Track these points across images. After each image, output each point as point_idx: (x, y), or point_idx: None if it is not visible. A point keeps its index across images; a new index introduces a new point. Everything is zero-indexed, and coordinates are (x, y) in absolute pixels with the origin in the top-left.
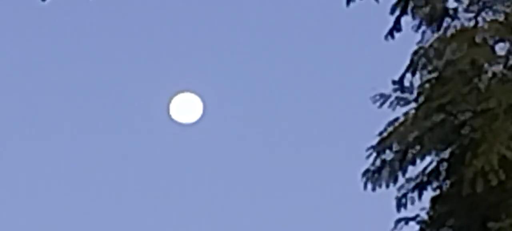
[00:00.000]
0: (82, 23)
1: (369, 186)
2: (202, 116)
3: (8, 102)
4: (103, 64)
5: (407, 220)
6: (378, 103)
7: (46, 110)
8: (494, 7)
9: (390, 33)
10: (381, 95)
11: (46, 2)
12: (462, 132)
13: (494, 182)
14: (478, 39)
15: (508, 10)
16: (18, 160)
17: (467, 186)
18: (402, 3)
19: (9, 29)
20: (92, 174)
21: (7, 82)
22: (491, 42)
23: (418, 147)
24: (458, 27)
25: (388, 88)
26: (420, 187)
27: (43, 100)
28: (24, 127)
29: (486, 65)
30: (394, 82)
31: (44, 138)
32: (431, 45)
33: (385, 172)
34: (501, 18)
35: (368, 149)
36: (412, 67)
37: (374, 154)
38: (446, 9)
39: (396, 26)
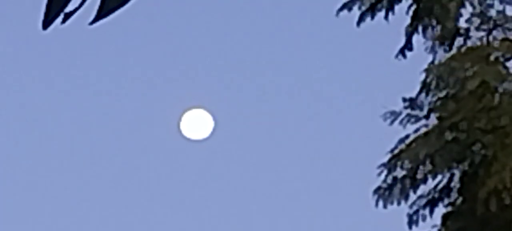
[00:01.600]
0: (93, 39)
1: (381, 203)
2: (213, 132)
3: (25, 113)
4: (114, 80)
5: None
6: (389, 121)
7: (56, 123)
8: (505, 26)
9: (402, 52)
10: (392, 112)
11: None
12: (474, 149)
13: (507, 201)
14: (489, 58)
15: None
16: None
17: (481, 206)
18: (414, 24)
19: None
20: (101, 189)
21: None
22: (502, 60)
23: (429, 165)
24: (470, 45)
25: (399, 106)
26: (432, 204)
27: (53, 112)
28: (32, 143)
29: (497, 83)
30: (404, 99)
31: (54, 151)
32: (443, 64)
33: (396, 189)
34: None
35: (379, 166)
36: (425, 87)
37: (385, 171)
38: (457, 29)
39: (408, 45)
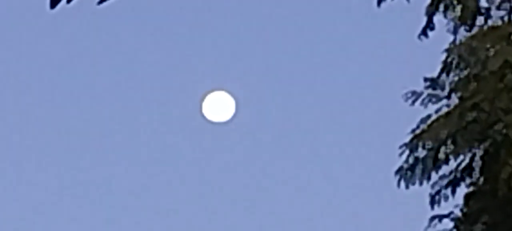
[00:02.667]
0: (115, 22)
1: (403, 183)
2: (235, 115)
3: (50, 102)
4: (136, 64)
5: (441, 217)
6: (410, 101)
7: (79, 108)
8: None
9: (424, 32)
10: (413, 92)
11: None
12: (495, 128)
13: None
14: (511, 37)
15: None
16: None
17: (503, 185)
18: (435, 3)
19: (51, 31)
20: (125, 172)
21: (48, 82)
22: None
23: (451, 145)
24: (491, 25)
25: (420, 86)
26: (454, 184)
27: (77, 98)
28: (53, 126)
29: None
30: (425, 79)
31: (82, 137)
32: (464, 44)
33: (418, 170)
34: None
35: (400, 147)
36: (446, 67)
37: (407, 152)
38: (478, 8)
39: (430, 25)
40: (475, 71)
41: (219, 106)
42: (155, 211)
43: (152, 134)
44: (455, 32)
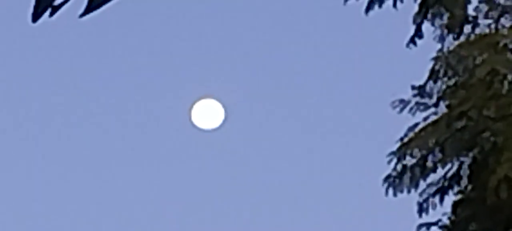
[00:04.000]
0: (103, 30)
1: (391, 191)
2: (224, 122)
3: (42, 106)
4: (124, 70)
5: (429, 225)
6: (398, 109)
7: (67, 115)
8: None
9: (412, 41)
10: (401, 100)
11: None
12: (483, 137)
13: None
14: (498, 45)
15: None
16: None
17: (491, 194)
18: (423, 11)
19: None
20: (112, 179)
21: (35, 91)
22: (511, 47)
23: (439, 154)
24: (478, 33)
25: (408, 94)
26: (442, 192)
27: (65, 105)
28: (48, 131)
29: (506, 70)
30: (413, 87)
31: (70, 143)
32: (451, 52)
33: (406, 178)
34: None
35: (388, 155)
36: (434, 75)
37: (395, 160)
38: (466, 16)
39: (418, 33)
40: (462, 79)
41: (208, 113)
42: (144, 218)
43: (141, 141)
44: (442, 40)
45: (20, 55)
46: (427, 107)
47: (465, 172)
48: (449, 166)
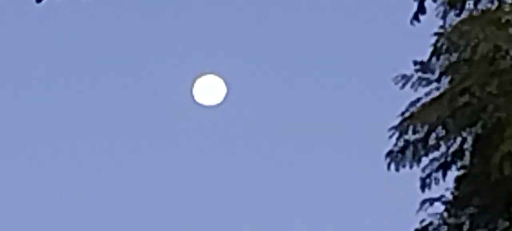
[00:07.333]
0: (104, 9)
1: (393, 166)
2: (225, 98)
3: (42, 86)
4: (127, 48)
5: (432, 200)
6: (400, 84)
7: (70, 94)
8: None
9: (415, 17)
10: (403, 76)
11: None
12: (486, 112)
13: None
14: (500, 21)
15: None
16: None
17: (494, 170)
18: None
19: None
20: (116, 156)
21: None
22: None
23: (442, 130)
24: (481, 9)
25: (410, 69)
26: (445, 167)
27: (67, 85)
28: (55, 119)
29: (509, 46)
30: (415, 63)
31: (73, 122)
32: (454, 28)
33: (408, 153)
34: None
35: (390, 129)
36: (436, 51)
37: (397, 134)
38: None
39: (421, 9)
40: (465, 55)
41: (209, 89)
42: (146, 194)
43: (143, 118)
44: (444, 16)
45: (25, 36)
46: (429, 82)
47: (468, 147)
48: (451, 141)
